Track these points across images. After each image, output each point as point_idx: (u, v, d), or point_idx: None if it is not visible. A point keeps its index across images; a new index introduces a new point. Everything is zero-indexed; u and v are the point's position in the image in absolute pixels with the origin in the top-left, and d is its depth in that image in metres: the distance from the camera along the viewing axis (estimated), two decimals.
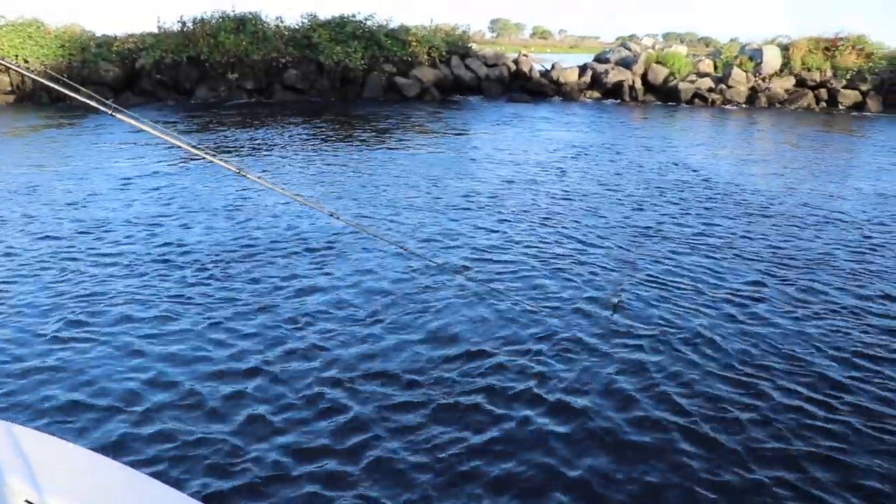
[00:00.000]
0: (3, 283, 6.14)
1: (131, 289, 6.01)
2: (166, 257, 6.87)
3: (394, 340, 5.07)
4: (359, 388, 4.43)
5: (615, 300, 5.83)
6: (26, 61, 22.14)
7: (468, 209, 8.97)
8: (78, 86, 2.60)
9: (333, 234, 7.63)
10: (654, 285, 6.32)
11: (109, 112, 2.58)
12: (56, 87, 2.47)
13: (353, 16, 24.86)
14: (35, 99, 21.92)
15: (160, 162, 11.89)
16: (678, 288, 6.27)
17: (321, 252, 7.06)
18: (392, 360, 4.77)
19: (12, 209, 8.66)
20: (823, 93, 24.66)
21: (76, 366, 4.64)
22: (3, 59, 2.16)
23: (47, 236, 7.52)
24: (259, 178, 2.95)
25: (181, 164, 11.68)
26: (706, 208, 9.32)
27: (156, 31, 24.33)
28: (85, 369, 4.60)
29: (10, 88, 22.00)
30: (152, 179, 10.53)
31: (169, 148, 12.99)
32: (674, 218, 8.77)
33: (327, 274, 6.43)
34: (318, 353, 4.86)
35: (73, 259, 6.80)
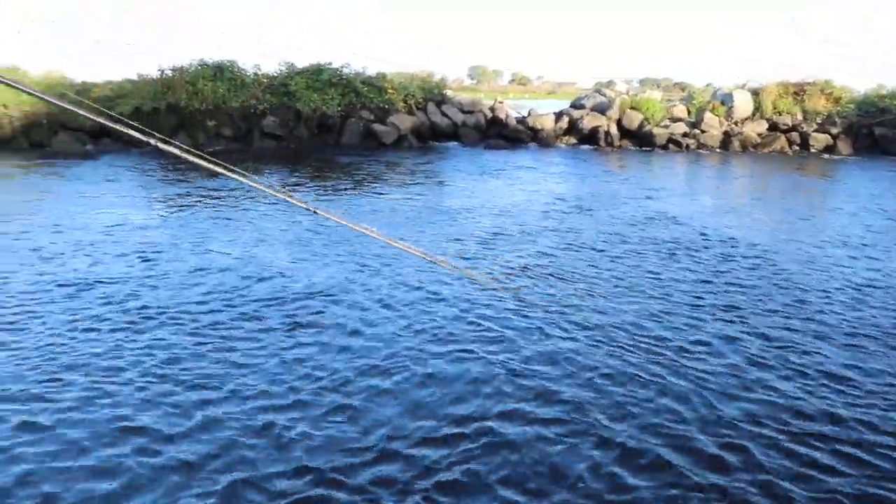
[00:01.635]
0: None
1: (108, 345, 5.95)
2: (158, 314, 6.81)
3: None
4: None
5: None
6: (5, 107, 22.12)
7: (454, 258, 8.99)
8: (120, 117, 2.63)
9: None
10: (632, 336, 6.35)
11: (153, 144, 2.63)
12: (100, 119, 2.51)
13: (330, 63, 25.16)
14: (13, 144, 21.84)
15: (136, 209, 11.84)
16: (657, 343, 6.30)
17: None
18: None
19: None
20: (795, 136, 25.17)
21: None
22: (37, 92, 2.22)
23: (23, 292, 7.43)
24: (331, 214, 2.98)
25: (165, 215, 11.65)
26: (690, 257, 9.41)
27: (135, 78, 24.45)
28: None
29: None
30: (136, 230, 10.47)
31: (146, 194, 12.96)
32: (659, 268, 8.84)
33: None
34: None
35: (49, 318, 6.72)
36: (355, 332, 6.39)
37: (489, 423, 4.74)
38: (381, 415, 4.85)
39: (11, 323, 6.54)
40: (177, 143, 2.52)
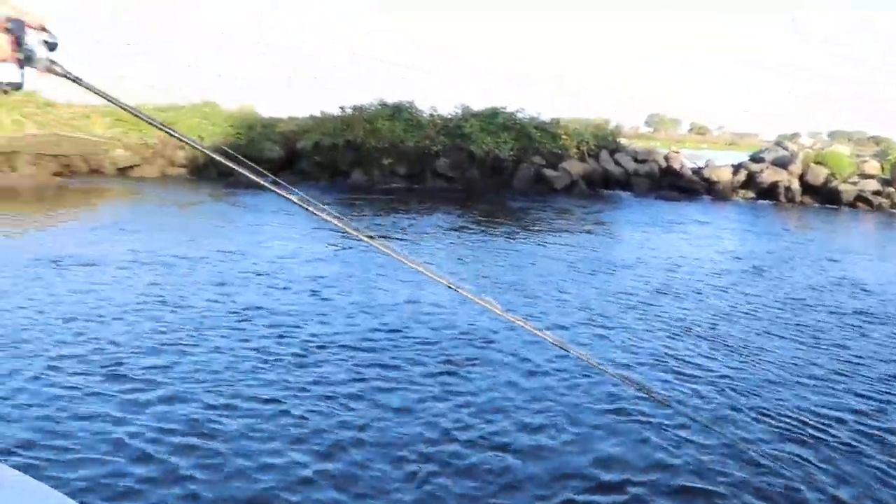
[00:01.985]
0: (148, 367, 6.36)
1: (269, 376, 6.10)
2: (316, 345, 6.97)
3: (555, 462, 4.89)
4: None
5: None
6: (201, 138, 23.77)
7: (617, 316, 8.73)
8: (242, 157, 2.67)
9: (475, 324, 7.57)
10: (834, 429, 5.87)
11: (266, 184, 2.65)
12: (222, 159, 2.56)
13: (504, 108, 25.45)
14: (206, 173, 23.31)
15: (319, 242, 12.27)
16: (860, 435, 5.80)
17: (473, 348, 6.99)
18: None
19: (167, 283, 9.09)
20: None
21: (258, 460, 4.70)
22: (183, 135, 2.26)
23: (197, 317, 7.79)
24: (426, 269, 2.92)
25: (337, 247, 12.01)
26: (884, 332, 8.70)
27: (318, 115, 25.70)
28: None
29: (184, 162, 23.59)
30: (307, 262, 10.83)
31: (332, 230, 13.42)
32: (846, 344, 8.22)
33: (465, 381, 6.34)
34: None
35: (219, 338, 7.00)
36: (511, 384, 6.27)
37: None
38: (538, 475, 4.69)
39: (182, 347, 6.84)
40: (290, 187, 2.50)
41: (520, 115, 25.27)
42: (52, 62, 1.79)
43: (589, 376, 6.45)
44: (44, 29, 1.80)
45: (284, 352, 6.87)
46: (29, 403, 5.39)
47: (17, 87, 1.73)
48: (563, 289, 10.02)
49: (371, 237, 2.81)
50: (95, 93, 1.94)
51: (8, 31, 1.72)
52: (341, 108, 25.24)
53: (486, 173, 24.08)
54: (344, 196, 20.04)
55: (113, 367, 6.23)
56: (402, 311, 8.41)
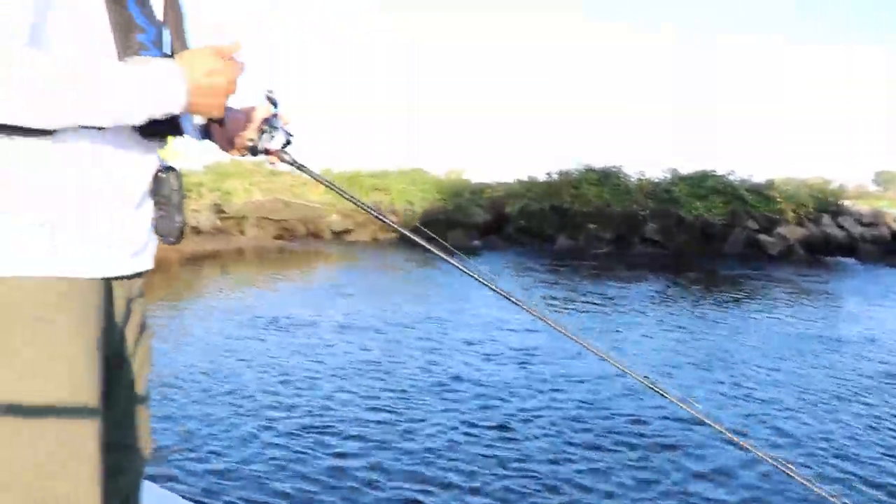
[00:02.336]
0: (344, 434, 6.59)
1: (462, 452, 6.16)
2: (504, 424, 6.98)
3: None
4: None
5: None
6: (411, 203, 24.83)
7: (841, 406, 8.12)
8: (425, 230, 2.77)
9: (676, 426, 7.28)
10: None
11: (442, 257, 2.72)
12: (412, 235, 2.68)
13: (714, 171, 24.71)
14: (423, 234, 24.19)
15: (512, 309, 12.34)
16: None
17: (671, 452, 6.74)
18: None
19: (376, 347, 9.44)
20: None
21: None
22: (381, 214, 2.39)
23: (409, 387, 8.03)
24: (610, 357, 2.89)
25: (542, 312, 12.02)
26: None
27: (524, 179, 26.13)
28: None
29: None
30: (513, 331, 10.92)
31: (523, 293, 13.48)
32: None
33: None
34: None
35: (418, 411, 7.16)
36: (720, 472, 5.96)
37: None
38: None
39: (388, 416, 7.06)
40: (467, 262, 2.53)
41: (730, 178, 24.44)
42: (285, 152, 2.01)
43: None
44: (286, 124, 2.04)
45: (486, 424, 6.95)
46: (243, 460, 5.78)
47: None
48: (778, 368, 9.47)
49: (546, 318, 2.83)
50: (314, 178, 2.16)
51: (264, 131, 1.96)
52: (548, 173, 25.57)
53: (696, 238, 23.39)
54: (549, 261, 20.11)
55: (322, 430, 6.55)
56: (613, 387, 8.26)
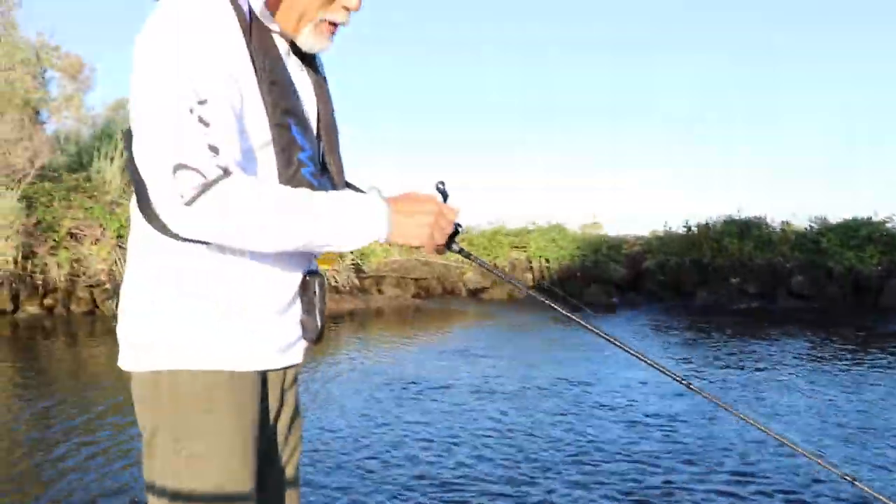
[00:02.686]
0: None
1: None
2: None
3: None
4: None
5: None
6: (548, 261, 24.83)
7: None
8: (556, 290, 2.82)
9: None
10: None
11: (565, 313, 2.75)
12: (536, 294, 2.70)
13: (869, 218, 23.43)
14: (552, 294, 24.10)
15: (654, 370, 12.03)
16: None
17: None
18: None
19: (513, 411, 9.37)
20: None
21: None
22: (511, 278, 2.52)
23: (540, 448, 7.93)
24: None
25: (692, 377, 11.67)
26: None
27: (661, 234, 25.65)
28: None
29: (531, 284, 24.69)
30: (656, 395, 10.64)
31: (684, 357, 13.13)
32: None
33: None
34: None
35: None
36: None
37: None
38: None
39: (526, 489, 6.97)
40: (594, 324, 2.56)
41: (889, 226, 23.10)
42: (455, 242, 2.19)
43: None
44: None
45: (630, 499, 6.75)
46: None
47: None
48: None
49: (687, 382, 2.78)
50: (480, 265, 2.43)
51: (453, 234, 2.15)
52: (686, 226, 24.98)
53: (848, 291, 22.20)
54: (690, 317, 19.56)
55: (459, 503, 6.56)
56: (765, 455, 7.89)
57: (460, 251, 2.22)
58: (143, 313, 1.85)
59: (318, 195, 1.76)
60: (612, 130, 50.95)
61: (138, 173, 1.76)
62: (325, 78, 2.08)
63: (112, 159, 19.95)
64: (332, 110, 2.09)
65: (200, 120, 1.58)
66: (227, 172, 1.61)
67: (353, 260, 24.98)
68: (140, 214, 1.84)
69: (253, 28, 1.77)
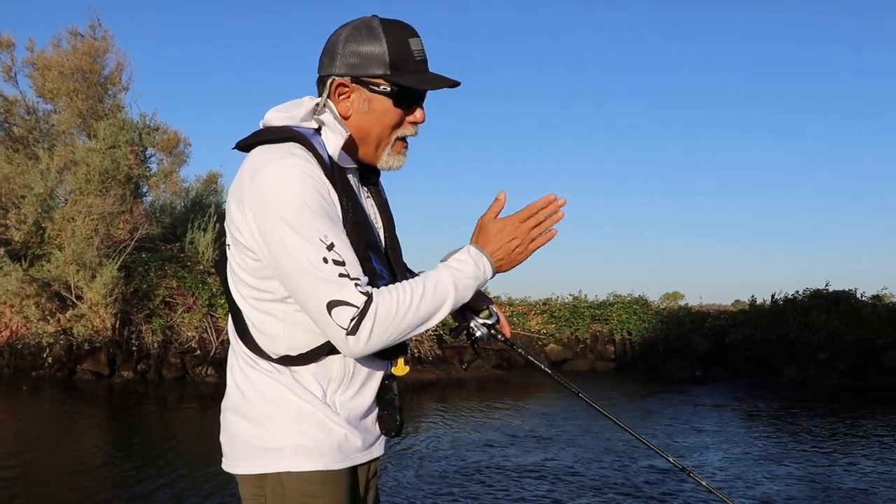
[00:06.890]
0: None
1: None
2: None
3: None
4: None
5: None
6: (630, 333, 24.68)
7: None
8: (552, 372, 3.02)
9: None
10: None
11: (575, 391, 2.97)
12: (543, 366, 2.95)
13: None
14: (634, 367, 23.99)
15: (756, 445, 11.87)
16: None
17: None
18: None
19: (589, 492, 9.41)
20: None
21: None
22: (515, 346, 2.79)
23: None
24: None
25: (763, 451, 11.54)
26: None
27: (746, 307, 25.27)
28: None
29: (612, 357, 24.60)
30: (747, 468, 10.53)
31: (774, 432, 12.96)
32: None
33: None
34: None
35: None
36: None
37: None
38: None
39: None
40: (598, 404, 2.85)
41: None
42: (497, 333, 2.57)
43: None
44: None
45: None
46: None
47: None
48: None
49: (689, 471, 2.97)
50: (520, 353, 2.76)
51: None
52: (773, 300, 24.56)
53: None
54: (776, 394, 19.18)
55: None
56: None
57: (505, 341, 2.62)
58: (247, 423, 2.15)
59: (429, 274, 2.08)
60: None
61: (235, 303, 2.16)
62: (386, 199, 2.33)
63: (204, 231, 20.83)
64: (394, 226, 2.33)
65: (335, 262, 1.88)
66: (369, 296, 1.91)
67: (434, 331, 25.26)
68: (239, 339, 2.19)
69: (334, 171, 2.00)
